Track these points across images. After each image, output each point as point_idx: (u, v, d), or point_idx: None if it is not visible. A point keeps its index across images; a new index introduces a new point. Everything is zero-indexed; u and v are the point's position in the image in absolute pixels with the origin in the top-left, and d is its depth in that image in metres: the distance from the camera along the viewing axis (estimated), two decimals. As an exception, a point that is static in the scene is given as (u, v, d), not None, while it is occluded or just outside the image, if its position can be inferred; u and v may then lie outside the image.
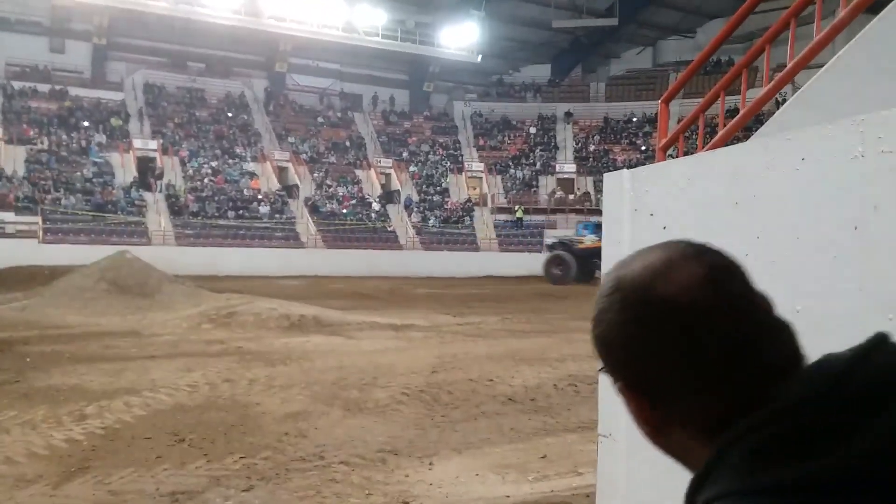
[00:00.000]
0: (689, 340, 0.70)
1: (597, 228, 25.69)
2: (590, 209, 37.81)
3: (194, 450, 5.83)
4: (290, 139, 39.16)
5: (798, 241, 2.14)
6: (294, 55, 41.15)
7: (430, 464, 5.59)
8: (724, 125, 3.89)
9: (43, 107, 34.81)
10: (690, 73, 4.29)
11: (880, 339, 0.68)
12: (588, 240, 27.68)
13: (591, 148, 42.65)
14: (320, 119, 41.92)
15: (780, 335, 0.73)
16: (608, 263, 3.07)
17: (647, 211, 2.91)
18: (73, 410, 6.86)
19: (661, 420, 0.75)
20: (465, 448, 6.01)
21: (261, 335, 11.82)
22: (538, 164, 42.04)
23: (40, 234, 26.99)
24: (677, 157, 3.83)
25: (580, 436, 6.32)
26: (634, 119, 43.34)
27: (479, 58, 42.14)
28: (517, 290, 24.19)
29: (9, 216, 27.54)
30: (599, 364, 0.81)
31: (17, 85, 35.23)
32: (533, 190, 40.48)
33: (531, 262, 34.42)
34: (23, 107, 34.36)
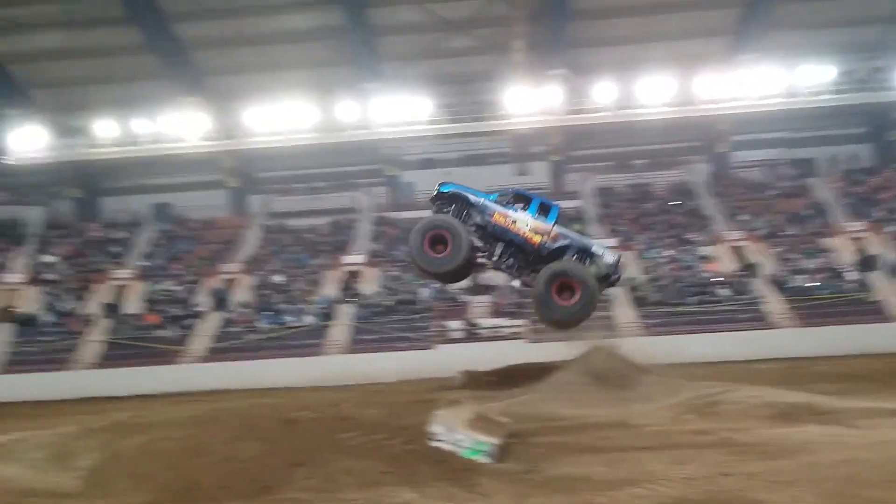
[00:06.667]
0: None
1: (542, 209, 16.00)
2: None
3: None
4: (742, 217, 37.94)
5: None
6: (734, 133, 40.35)
7: None
8: None
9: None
10: None
11: None
12: (523, 222, 15.87)
13: None
14: (771, 192, 39.88)
15: None
16: None
17: None
18: (587, 500, 7.49)
19: None
20: None
21: (747, 425, 11.37)
22: None
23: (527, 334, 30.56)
24: None
25: None
26: None
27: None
28: None
29: (503, 321, 31.94)
30: None
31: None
32: None
33: None
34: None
